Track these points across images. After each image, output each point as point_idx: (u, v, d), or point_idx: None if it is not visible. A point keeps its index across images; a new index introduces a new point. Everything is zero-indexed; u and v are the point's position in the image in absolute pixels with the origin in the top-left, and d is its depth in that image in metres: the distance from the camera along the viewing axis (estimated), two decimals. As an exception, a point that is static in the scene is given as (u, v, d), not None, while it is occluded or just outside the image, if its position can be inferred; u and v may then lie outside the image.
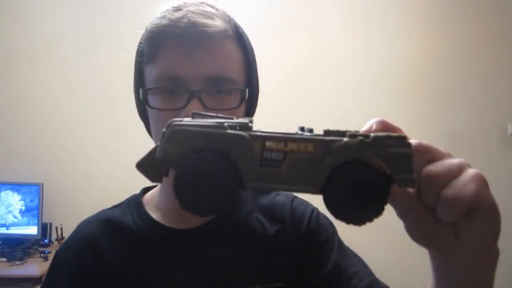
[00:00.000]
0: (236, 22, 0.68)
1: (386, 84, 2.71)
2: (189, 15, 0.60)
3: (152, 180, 0.42)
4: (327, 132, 0.39)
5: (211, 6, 0.65)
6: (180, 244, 0.67)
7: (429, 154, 0.40)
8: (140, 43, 0.66)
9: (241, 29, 0.68)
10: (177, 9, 0.62)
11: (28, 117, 2.69)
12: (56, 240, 2.55)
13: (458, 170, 0.39)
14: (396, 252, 2.67)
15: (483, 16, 2.74)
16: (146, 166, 0.41)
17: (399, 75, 2.72)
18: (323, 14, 2.73)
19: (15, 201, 2.53)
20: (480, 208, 0.39)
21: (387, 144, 0.38)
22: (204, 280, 0.65)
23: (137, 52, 0.67)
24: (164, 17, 0.62)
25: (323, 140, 0.38)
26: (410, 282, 2.71)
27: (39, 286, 2.21)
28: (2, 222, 2.53)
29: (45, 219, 2.56)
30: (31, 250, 2.48)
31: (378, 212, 0.40)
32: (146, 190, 0.76)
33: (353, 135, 0.38)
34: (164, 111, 0.62)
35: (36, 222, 2.51)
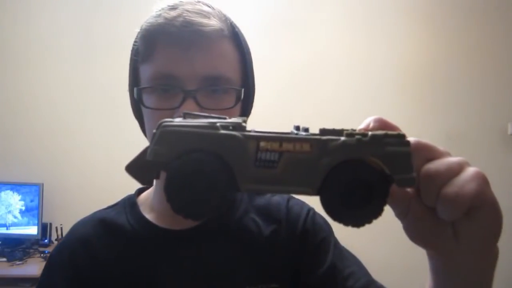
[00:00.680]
0: (232, 21, 0.67)
1: (386, 84, 2.71)
2: (184, 14, 0.60)
3: (143, 183, 0.40)
4: (323, 131, 0.38)
5: (207, 5, 0.64)
6: (174, 245, 0.66)
7: (428, 153, 0.39)
8: (135, 41, 0.66)
9: (238, 28, 0.67)
10: (173, 7, 0.61)
11: (28, 117, 2.69)
12: (56, 240, 2.55)
13: (458, 168, 0.38)
14: (395, 253, 2.67)
15: (483, 17, 2.74)
16: (136, 168, 0.40)
17: (399, 75, 2.72)
18: (324, 14, 2.73)
19: (15, 201, 2.53)
20: (481, 206, 0.38)
21: (385, 142, 0.37)
22: (199, 281, 0.65)
23: (132, 50, 0.67)
24: (159, 15, 0.61)
25: (319, 139, 0.37)
26: (410, 283, 2.71)
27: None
28: (2, 222, 2.53)
29: (45, 219, 2.56)
30: (31, 250, 2.48)
31: (377, 213, 0.39)
32: (141, 190, 0.76)
33: (351, 134, 0.37)
34: (159, 111, 0.61)
35: (36, 222, 2.51)
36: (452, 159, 0.39)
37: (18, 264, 2.33)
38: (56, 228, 2.53)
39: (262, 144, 0.37)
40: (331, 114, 2.72)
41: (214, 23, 0.61)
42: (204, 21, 0.60)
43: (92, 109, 2.63)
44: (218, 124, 0.37)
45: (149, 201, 0.72)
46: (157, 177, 0.39)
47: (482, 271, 0.43)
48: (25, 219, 2.53)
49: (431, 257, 0.45)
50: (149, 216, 0.70)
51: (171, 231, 0.67)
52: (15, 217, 2.53)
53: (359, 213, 0.38)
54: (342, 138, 0.37)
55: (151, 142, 0.38)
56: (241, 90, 0.64)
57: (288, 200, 0.73)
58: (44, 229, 2.56)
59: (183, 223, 0.67)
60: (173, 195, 0.37)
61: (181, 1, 0.63)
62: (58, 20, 2.70)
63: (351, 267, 0.68)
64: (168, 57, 0.61)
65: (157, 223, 0.69)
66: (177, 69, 0.60)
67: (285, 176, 0.37)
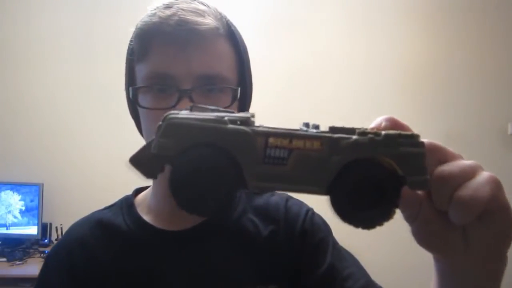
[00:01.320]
0: (228, 20, 0.66)
1: (386, 84, 2.71)
2: (179, 13, 0.59)
3: (147, 176, 0.39)
4: (333, 129, 0.37)
5: (203, 4, 0.63)
6: (171, 246, 0.66)
7: (440, 154, 0.38)
8: (130, 41, 0.65)
9: (234, 26, 0.67)
10: (168, 6, 0.61)
11: (28, 117, 2.69)
12: (56, 240, 2.55)
13: (472, 172, 0.37)
14: (395, 252, 2.67)
15: (483, 17, 2.74)
16: (140, 161, 0.39)
17: (399, 75, 2.72)
18: (324, 14, 2.73)
19: (15, 201, 2.53)
20: (494, 211, 0.37)
21: (399, 142, 0.36)
22: (196, 282, 0.64)
23: (128, 50, 0.66)
24: (154, 14, 0.60)
25: (331, 137, 0.36)
26: (410, 283, 2.71)
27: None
28: (2, 222, 2.53)
29: (45, 219, 2.56)
30: (31, 250, 2.48)
31: (388, 215, 0.37)
32: (138, 191, 0.75)
33: (363, 132, 0.36)
34: (154, 110, 0.60)
35: (36, 222, 2.51)
36: (466, 162, 0.39)
37: (18, 264, 2.33)
38: (56, 228, 2.53)
39: (271, 140, 0.36)
40: (331, 114, 2.72)
41: (209, 21, 0.60)
42: (199, 19, 0.59)
43: (92, 109, 2.63)
44: (226, 118, 0.36)
45: (147, 201, 0.72)
46: (162, 170, 0.38)
47: (490, 277, 0.41)
48: (25, 219, 2.53)
49: (438, 259, 0.44)
50: (146, 217, 0.69)
51: (168, 232, 0.67)
52: (15, 217, 2.53)
53: (370, 215, 0.37)
54: (354, 137, 0.36)
55: (156, 134, 0.36)
56: (237, 89, 0.63)
57: (287, 200, 0.72)
58: (44, 229, 2.56)
59: (180, 224, 0.66)
60: (178, 190, 0.36)
61: (176, 0, 0.62)
62: (58, 20, 2.70)
63: (350, 267, 0.68)
64: (163, 57, 0.60)
65: (154, 224, 0.68)
66: (172, 68, 0.60)
67: (294, 174, 0.36)
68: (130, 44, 0.65)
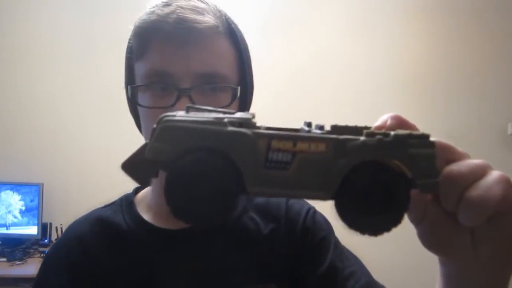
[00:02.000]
0: (228, 17, 0.66)
1: (386, 84, 2.71)
2: (178, 11, 0.58)
3: (140, 182, 0.37)
4: (336, 128, 0.35)
5: (202, 1, 0.63)
6: (170, 245, 0.65)
7: (448, 154, 0.37)
8: (129, 39, 0.65)
9: (234, 24, 0.66)
10: (167, 4, 0.60)
11: (28, 117, 2.69)
12: (56, 240, 2.55)
13: (481, 171, 0.36)
14: (399, 252, 2.67)
15: (484, 17, 2.74)
16: (133, 166, 0.36)
17: (399, 75, 2.72)
18: (323, 14, 2.73)
19: (15, 201, 2.53)
20: (506, 212, 0.35)
21: (409, 144, 0.34)
22: (196, 280, 0.64)
23: (126, 48, 0.66)
24: (153, 12, 0.60)
25: (337, 139, 0.33)
26: (413, 283, 2.72)
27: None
28: (2, 222, 2.53)
29: (45, 219, 2.56)
30: (31, 250, 2.48)
31: (396, 221, 0.35)
32: (138, 189, 0.75)
33: (371, 133, 0.33)
34: (153, 109, 0.60)
35: (36, 222, 2.51)
36: (475, 161, 0.37)
37: (18, 264, 2.33)
38: (56, 228, 2.53)
39: (273, 143, 0.33)
40: (331, 114, 2.71)
41: (208, 19, 0.60)
42: (198, 17, 0.59)
43: (92, 109, 2.63)
44: (225, 120, 0.34)
45: (147, 200, 0.71)
46: (156, 176, 0.36)
47: (499, 280, 0.39)
48: (25, 219, 2.52)
49: (444, 263, 0.43)
50: (146, 215, 0.68)
51: (168, 231, 0.66)
52: (15, 217, 2.53)
53: (377, 221, 0.35)
54: (362, 138, 0.33)
55: (150, 138, 0.34)
56: (237, 88, 0.63)
57: (288, 198, 0.72)
58: (44, 229, 2.56)
59: (180, 223, 0.66)
60: (174, 199, 0.33)
61: None
62: (58, 20, 2.70)
63: (351, 267, 0.67)
64: (162, 55, 0.60)
65: (154, 222, 0.67)
66: (171, 66, 0.59)
67: (297, 179, 0.34)
68: (129, 42, 0.65)
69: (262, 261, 0.66)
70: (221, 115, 0.35)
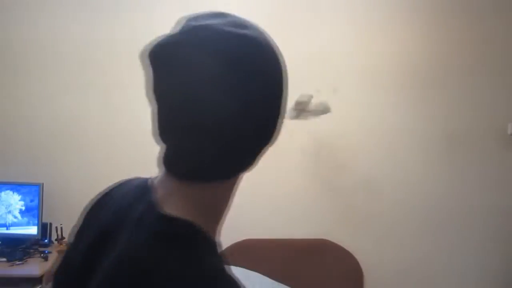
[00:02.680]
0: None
1: (386, 84, 2.71)
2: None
3: None
4: None
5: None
6: None
7: None
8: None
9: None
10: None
11: (28, 117, 2.69)
12: (56, 240, 2.55)
13: None
14: (397, 253, 2.67)
15: (484, 17, 2.74)
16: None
17: (399, 75, 2.72)
18: (323, 13, 2.73)
19: (15, 201, 2.53)
20: None
21: None
22: None
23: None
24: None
25: None
26: (412, 283, 2.71)
27: (40, 286, 2.21)
28: (2, 222, 2.53)
29: (45, 219, 2.56)
30: (31, 250, 2.47)
31: None
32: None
33: None
34: None
35: (36, 222, 2.51)
36: None
37: (18, 264, 2.33)
38: (56, 228, 2.53)
39: None
40: (330, 115, 2.72)
41: None
42: None
43: (92, 109, 2.63)
44: None
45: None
46: None
47: None
48: (25, 219, 2.52)
49: None
50: None
51: None
52: (15, 217, 2.53)
53: None
54: None
55: None
56: None
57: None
58: (44, 229, 2.56)
59: None
60: None
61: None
62: (58, 21, 2.70)
63: None
64: None
65: None
66: None
67: None
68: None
69: None
70: None
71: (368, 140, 2.70)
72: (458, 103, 2.72)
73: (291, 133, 2.54)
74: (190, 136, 0.54)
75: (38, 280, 2.21)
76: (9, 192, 2.54)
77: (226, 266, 0.56)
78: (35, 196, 2.52)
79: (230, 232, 2.66)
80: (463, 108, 2.72)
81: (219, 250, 0.60)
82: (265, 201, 2.68)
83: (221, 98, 0.52)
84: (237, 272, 2.18)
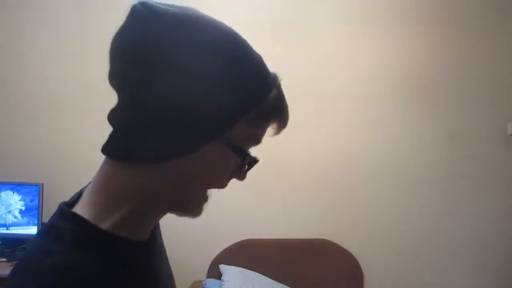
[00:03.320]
0: None
1: (387, 84, 2.71)
2: None
3: None
4: None
5: None
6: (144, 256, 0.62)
7: None
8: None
9: None
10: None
11: (28, 117, 2.69)
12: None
13: None
14: (396, 253, 2.67)
15: (483, 17, 2.74)
16: None
17: (399, 76, 2.72)
18: (324, 16, 2.73)
19: (15, 201, 2.53)
20: None
21: None
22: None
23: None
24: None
25: None
26: (411, 283, 2.72)
27: None
28: (2, 222, 2.53)
29: (45, 219, 2.55)
30: (31, 250, 2.47)
31: None
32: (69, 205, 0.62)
33: None
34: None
35: (36, 222, 2.51)
36: None
37: (18, 264, 2.33)
38: (56, 228, 2.53)
39: None
40: (331, 115, 2.72)
41: None
42: None
43: (92, 109, 2.63)
44: None
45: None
46: None
47: None
48: (25, 219, 2.53)
49: None
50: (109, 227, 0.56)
51: (141, 242, 0.60)
52: (15, 217, 2.53)
53: None
54: None
55: None
56: None
57: None
58: (44, 229, 2.56)
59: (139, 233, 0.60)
60: None
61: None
62: (57, 20, 2.70)
63: None
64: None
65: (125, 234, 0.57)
66: None
67: None
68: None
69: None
70: None
71: (368, 141, 2.70)
72: (458, 103, 2.73)
73: (290, 133, 2.54)
74: (118, 116, 0.57)
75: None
76: (9, 192, 2.54)
77: (61, 266, 0.48)
78: (35, 196, 2.52)
79: (230, 232, 2.70)
80: (463, 109, 2.72)
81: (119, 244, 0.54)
82: (265, 201, 2.68)
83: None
84: (237, 272, 2.20)
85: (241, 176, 0.60)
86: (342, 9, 2.73)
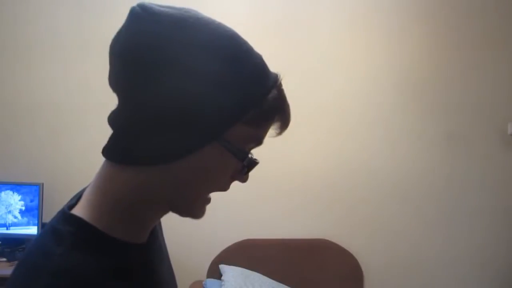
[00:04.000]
0: None
1: (387, 84, 2.71)
2: None
3: None
4: None
5: None
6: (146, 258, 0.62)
7: None
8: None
9: None
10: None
11: (28, 117, 2.69)
12: (56, 240, 2.55)
13: None
14: (395, 253, 2.67)
15: (483, 17, 2.74)
16: None
17: (399, 75, 2.72)
18: (324, 16, 2.73)
19: (15, 201, 2.53)
20: None
21: None
22: None
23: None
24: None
25: None
26: (410, 283, 2.72)
27: None
28: (2, 222, 2.53)
29: (45, 219, 2.55)
30: (31, 250, 2.47)
31: None
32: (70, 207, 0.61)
33: None
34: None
35: (36, 222, 2.51)
36: None
37: (18, 264, 2.33)
38: (56, 228, 2.53)
39: None
40: (331, 115, 2.72)
41: None
42: None
43: (92, 109, 2.63)
44: None
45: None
46: None
47: None
48: (25, 219, 2.53)
49: None
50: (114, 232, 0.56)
51: (141, 244, 0.59)
52: (15, 217, 2.53)
53: None
54: None
55: None
56: None
57: None
58: (44, 229, 2.56)
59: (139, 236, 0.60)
60: None
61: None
62: (58, 20, 2.70)
63: None
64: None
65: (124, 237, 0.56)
66: None
67: None
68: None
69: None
70: None
71: (368, 141, 2.70)
72: (458, 103, 2.72)
73: (290, 133, 2.54)
74: (117, 119, 0.57)
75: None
76: (9, 192, 2.54)
77: (61, 269, 0.48)
78: (35, 196, 2.52)
79: (230, 232, 2.69)
80: (463, 109, 2.72)
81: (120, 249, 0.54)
82: (265, 201, 2.68)
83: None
84: (237, 272, 2.20)
85: (242, 178, 0.59)
86: (342, 9, 2.73)
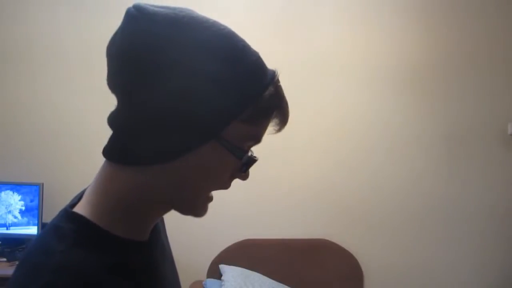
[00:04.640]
0: None
1: (386, 84, 2.71)
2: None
3: None
4: None
5: None
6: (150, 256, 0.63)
7: None
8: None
9: None
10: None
11: (28, 117, 2.69)
12: (56, 240, 2.55)
13: None
14: (395, 253, 2.67)
15: (483, 16, 2.74)
16: None
17: (398, 75, 2.72)
18: (324, 13, 2.73)
19: (15, 201, 2.53)
20: None
21: None
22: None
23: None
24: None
25: None
26: (410, 283, 2.71)
27: None
28: (2, 222, 2.53)
29: (45, 219, 2.55)
30: (31, 250, 2.47)
31: None
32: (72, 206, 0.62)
33: None
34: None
35: (36, 222, 2.51)
36: None
37: (18, 264, 2.33)
38: (56, 228, 2.53)
39: None
40: (332, 115, 2.72)
41: None
42: None
43: (92, 109, 2.63)
44: None
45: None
46: None
47: None
48: (25, 219, 2.53)
49: None
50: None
51: (144, 242, 0.60)
52: (15, 217, 2.53)
53: None
54: None
55: None
56: None
57: None
58: (44, 229, 2.56)
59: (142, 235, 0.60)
60: None
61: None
62: (58, 20, 2.70)
63: None
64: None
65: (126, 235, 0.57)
66: None
67: None
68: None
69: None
70: None
71: (368, 140, 2.70)
72: (458, 103, 2.73)
73: (290, 133, 2.54)
74: (116, 120, 0.58)
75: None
76: (9, 192, 2.54)
77: (62, 267, 0.48)
78: (35, 196, 2.52)
79: (230, 232, 2.69)
80: (463, 108, 2.72)
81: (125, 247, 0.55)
82: (265, 201, 2.68)
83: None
84: (237, 272, 2.20)
85: (242, 175, 0.60)
86: (341, 5, 2.73)
